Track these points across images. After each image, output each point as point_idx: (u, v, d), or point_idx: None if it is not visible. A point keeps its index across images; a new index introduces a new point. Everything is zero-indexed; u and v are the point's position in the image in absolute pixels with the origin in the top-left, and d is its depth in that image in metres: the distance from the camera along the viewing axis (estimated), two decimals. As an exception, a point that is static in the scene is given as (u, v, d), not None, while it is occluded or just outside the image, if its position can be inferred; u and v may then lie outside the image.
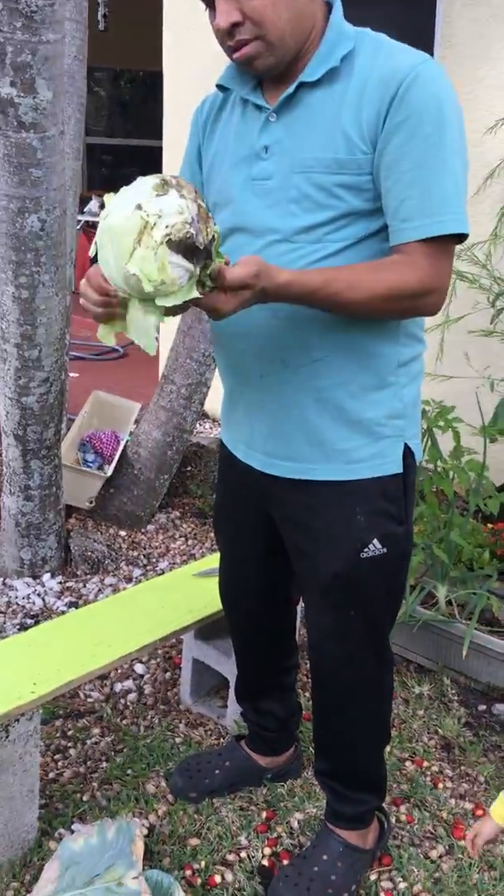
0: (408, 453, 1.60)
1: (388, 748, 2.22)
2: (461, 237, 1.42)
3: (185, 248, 1.21)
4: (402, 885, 1.82)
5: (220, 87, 1.58)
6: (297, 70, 1.46)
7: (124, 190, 1.25)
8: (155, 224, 1.19)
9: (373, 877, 1.84)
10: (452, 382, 3.20)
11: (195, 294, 1.26)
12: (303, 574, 1.70)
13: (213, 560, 2.32)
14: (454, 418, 2.62)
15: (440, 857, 1.92)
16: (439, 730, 2.35)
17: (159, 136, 4.80)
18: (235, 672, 2.09)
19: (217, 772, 2.05)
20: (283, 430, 1.57)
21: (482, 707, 2.47)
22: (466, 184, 1.43)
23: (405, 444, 1.59)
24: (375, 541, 1.58)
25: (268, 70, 1.45)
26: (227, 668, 2.25)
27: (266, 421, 1.60)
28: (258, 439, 1.63)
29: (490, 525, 2.89)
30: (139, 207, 1.20)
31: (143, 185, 1.23)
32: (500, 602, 2.57)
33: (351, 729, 1.77)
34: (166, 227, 1.19)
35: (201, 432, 4.26)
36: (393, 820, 2.00)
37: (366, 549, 1.58)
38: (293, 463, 1.59)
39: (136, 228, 1.20)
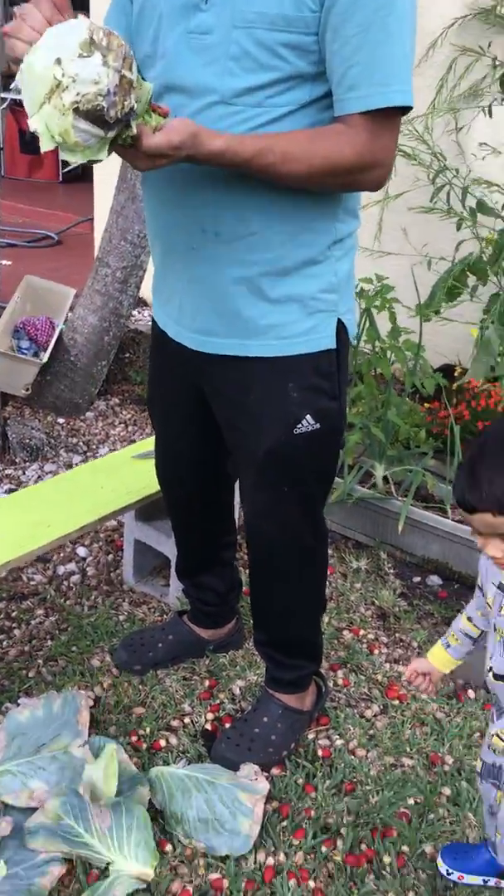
0: (341, 329, 1.59)
1: (325, 619, 2.30)
2: (405, 109, 1.37)
3: (95, 118, 1.18)
4: (339, 742, 1.92)
5: None
6: None
7: (60, 27, 1.19)
8: (67, 87, 1.16)
9: (311, 736, 1.93)
10: (390, 262, 3.16)
11: (104, 156, 1.24)
12: (236, 451, 1.71)
13: (153, 443, 2.32)
14: (392, 298, 2.61)
15: (375, 716, 2.02)
16: (375, 601, 2.43)
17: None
18: (176, 551, 2.12)
19: (160, 645, 2.11)
20: (213, 306, 1.54)
21: (417, 579, 2.56)
22: (414, 51, 1.37)
23: (338, 319, 1.58)
24: (308, 416, 1.59)
25: None
26: (168, 547, 2.27)
27: (196, 297, 1.56)
28: (188, 316, 1.59)
29: (427, 405, 2.93)
30: (58, 62, 1.15)
31: (73, 37, 1.17)
32: (435, 479, 2.63)
33: (287, 600, 1.82)
34: (77, 94, 1.16)
35: (140, 320, 4.18)
36: (330, 684, 2.09)
37: (299, 425, 1.58)
38: (224, 339, 1.56)
39: (49, 83, 1.16)
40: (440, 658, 1.51)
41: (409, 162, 2.99)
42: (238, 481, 1.90)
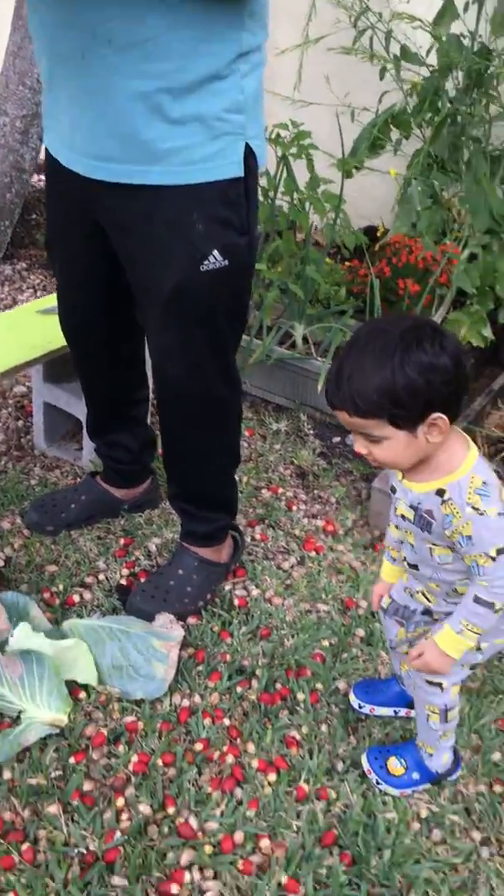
0: (249, 155, 1.48)
1: (244, 478, 2.27)
2: None
3: None
4: (256, 592, 1.91)
5: None
6: None
7: None
8: None
9: (227, 587, 1.92)
10: (312, 114, 3.01)
11: None
12: (140, 290, 1.60)
13: (59, 298, 2.19)
14: (309, 144, 2.48)
15: (292, 567, 2.02)
16: (294, 460, 2.41)
17: None
18: (87, 410, 2.04)
19: (73, 506, 2.05)
20: (108, 126, 1.41)
21: (336, 439, 2.54)
22: None
23: (246, 143, 1.46)
24: (216, 252, 1.49)
25: None
26: (80, 409, 2.18)
27: (89, 116, 1.42)
28: (80, 139, 1.46)
29: (347, 263, 2.85)
30: None
31: None
32: (355, 337, 2.57)
33: (198, 448, 1.77)
34: None
35: (50, 184, 3.95)
36: (248, 539, 2.07)
37: (206, 262, 1.49)
38: (121, 165, 1.44)
39: None
40: (391, 573, 1.49)
41: (330, 2, 2.80)
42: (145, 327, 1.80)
